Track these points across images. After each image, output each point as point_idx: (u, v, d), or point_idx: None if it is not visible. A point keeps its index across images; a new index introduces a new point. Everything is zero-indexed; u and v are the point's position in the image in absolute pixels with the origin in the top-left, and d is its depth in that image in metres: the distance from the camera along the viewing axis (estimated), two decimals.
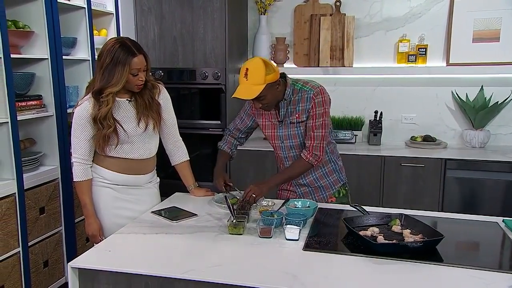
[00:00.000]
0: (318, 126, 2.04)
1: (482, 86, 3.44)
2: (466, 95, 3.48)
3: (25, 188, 2.49)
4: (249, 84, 1.94)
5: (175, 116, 2.21)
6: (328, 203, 2.20)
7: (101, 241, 2.03)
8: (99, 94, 1.92)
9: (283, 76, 2.09)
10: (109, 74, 1.89)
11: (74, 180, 2.02)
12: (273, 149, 2.28)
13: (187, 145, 2.30)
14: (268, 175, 3.37)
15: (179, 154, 2.25)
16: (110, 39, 1.97)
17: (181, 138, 2.27)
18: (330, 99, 2.11)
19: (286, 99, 2.09)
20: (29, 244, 2.54)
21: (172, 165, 2.27)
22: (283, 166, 2.24)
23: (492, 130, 3.45)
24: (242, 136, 2.37)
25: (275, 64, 2.08)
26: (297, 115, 2.09)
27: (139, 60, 1.92)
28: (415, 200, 3.19)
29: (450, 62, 3.47)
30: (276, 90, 2.02)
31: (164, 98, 2.14)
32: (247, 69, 1.94)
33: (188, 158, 2.27)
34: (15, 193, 2.41)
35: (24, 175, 2.49)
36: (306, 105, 2.06)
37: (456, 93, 3.50)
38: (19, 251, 2.46)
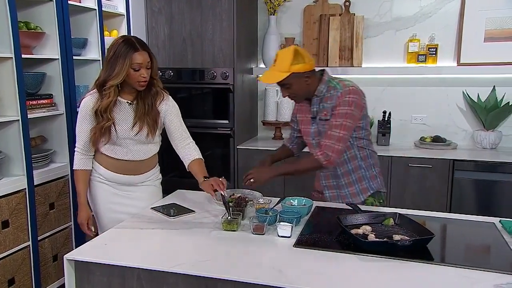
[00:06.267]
0: (337, 126, 1.96)
1: (494, 87, 3.38)
2: (478, 95, 3.43)
3: (35, 184, 2.56)
4: (275, 70, 1.97)
5: (182, 124, 2.15)
6: None
7: (90, 231, 2.11)
8: (102, 87, 1.98)
9: (321, 72, 2.09)
10: (111, 67, 1.95)
11: (73, 168, 2.11)
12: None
13: (196, 144, 2.27)
14: None
15: (189, 154, 2.14)
16: (118, 36, 2.03)
17: (192, 141, 2.18)
18: (361, 103, 2.01)
19: (318, 96, 2.05)
20: (39, 238, 2.62)
21: (187, 170, 2.15)
22: None
23: (504, 131, 3.38)
24: (298, 135, 2.31)
25: (311, 57, 2.05)
26: (325, 113, 2.04)
27: (141, 56, 1.95)
28: (422, 201, 3.15)
29: (461, 62, 3.41)
30: (304, 82, 2.00)
31: (169, 106, 2.11)
32: (277, 55, 1.98)
33: (198, 157, 2.14)
34: (25, 188, 2.49)
35: (35, 172, 2.57)
36: (332, 103, 2.01)
37: (467, 94, 3.45)
38: (29, 245, 2.54)
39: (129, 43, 1.94)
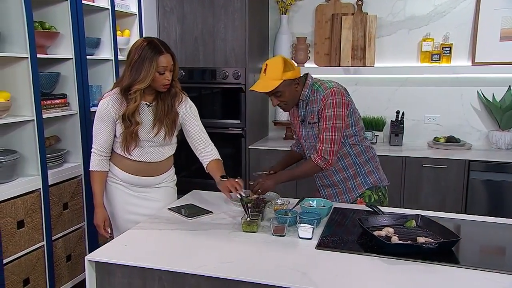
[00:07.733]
0: (328, 129, 2.01)
1: (510, 86, 3.34)
2: (493, 95, 3.39)
3: (49, 184, 2.56)
4: (266, 79, 2.01)
5: (201, 125, 2.15)
6: None
7: (106, 232, 2.09)
8: (127, 91, 1.95)
9: (305, 76, 2.12)
10: (137, 71, 1.92)
11: (89, 169, 2.10)
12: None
13: None
14: None
15: (207, 155, 2.12)
16: (140, 38, 2.00)
17: (211, 143, 2.16)
18: (345, 101, 2.04)
19: (304, 100, 2.10)
20: (53, 238, 2.61)
21: (206, 171, 2.13)
22: None
23: None
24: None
25: (296, 64, 2.10)
26: (311, 116, 2.10)
27: (166, 59, 1.93)
28: (437, 201, 3.12)
29: (476, 61, 3.38)
30: (294, 89, 2.06)
31: (187, 108, 2.10)
32: (266, 64, 2.03)
33: (216, 157, 2.12)
34: (40, 188, 2.48)
35: (49, 172, 2.56)
36: (317, 107, 2.05)
37: (482, 93, 3.41)
38: (44, 244, 2.53)
39: (153, 46, 1.91)
